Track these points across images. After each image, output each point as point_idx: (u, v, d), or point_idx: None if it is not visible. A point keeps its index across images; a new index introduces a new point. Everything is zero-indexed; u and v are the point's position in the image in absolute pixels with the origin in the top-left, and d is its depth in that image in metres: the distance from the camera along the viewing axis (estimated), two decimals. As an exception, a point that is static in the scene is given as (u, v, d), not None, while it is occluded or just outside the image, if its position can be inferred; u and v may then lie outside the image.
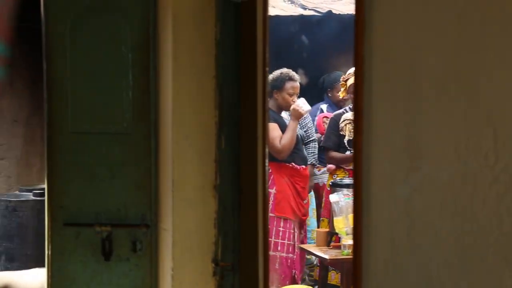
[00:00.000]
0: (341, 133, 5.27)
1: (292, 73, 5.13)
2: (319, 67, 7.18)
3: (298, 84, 5.13)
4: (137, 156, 2.85)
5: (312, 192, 5.60)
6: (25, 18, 5.19)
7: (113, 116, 2.85)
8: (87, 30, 2.84)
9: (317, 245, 4.83)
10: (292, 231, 4.96)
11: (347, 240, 4.42)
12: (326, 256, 4.59)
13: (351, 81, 5.11)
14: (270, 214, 4.87)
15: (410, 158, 1.76)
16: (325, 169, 5.84)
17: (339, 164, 5.33)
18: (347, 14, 6.40)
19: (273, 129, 4.87)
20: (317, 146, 5.52)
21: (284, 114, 5.21)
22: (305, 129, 5.31)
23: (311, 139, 5.42)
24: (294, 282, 4.95)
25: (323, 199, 5.49)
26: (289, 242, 4.95)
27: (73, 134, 2.87)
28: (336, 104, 6.10)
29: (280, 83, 5.06)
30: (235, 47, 2.80)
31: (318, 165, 5.86)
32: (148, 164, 2.85)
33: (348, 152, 5.22)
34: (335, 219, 4.66)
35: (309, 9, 6.78)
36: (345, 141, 5.25)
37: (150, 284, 2.87)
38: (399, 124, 1.81)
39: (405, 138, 1.78)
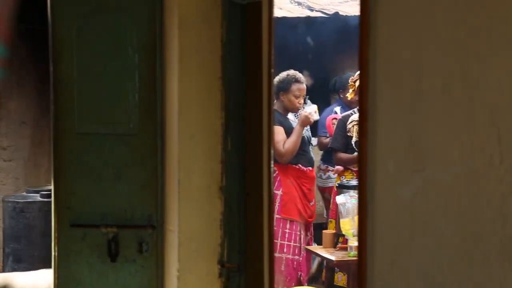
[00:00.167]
0: (348, 134, 5.26)
1: (298, 75, 5.12)
2: (325, 69, 7.17)
3: (305, 86, 5.12)
4: (143, 157, 2.86)
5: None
6: (32, 20, 5.22)
7: (119, 117, 2.85)
8: (93, 31, 2.84)
9: (324, 247, 4.82)
10: (298, 233, 4.96)
11: (354, 242, 4.41)
12: (333, 258, 4.58)
13: (360, 82, 5.08)
14: (277, 216, 4.86)
15: (414, 159, 1.76)
16: (329, 173, 5.84)
17: (346, 165, 5.32)
18: (354, 15, 6.39)
19: (278, 132, 4.86)
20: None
21: (290, 116, 5.20)
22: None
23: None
24: (299, 284, 4.94)
25: (331, 200, 5.48)
26: (295, 244, 4.94)
27: (79, 135, 2.87)
28: (349, 106, 6.08)
29: (286, 85, 5.05)
30: (241, 48, 2.80)
31: (324, 165, 5.86)
32: (154, 165, 2.85)
33: (355, 153, 5.20)
34: (341, 220, 4.65)
35: (316, 11, 6.77)
36: (353, 142, 5.24)
37: (156, 285, 2.87)
38: (403, 126, 1.80)
39: (409, 139, 1.78)
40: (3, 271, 4.91)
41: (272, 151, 2.78)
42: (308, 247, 5.02)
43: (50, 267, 2.98)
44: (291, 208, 4.96)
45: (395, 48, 1.84)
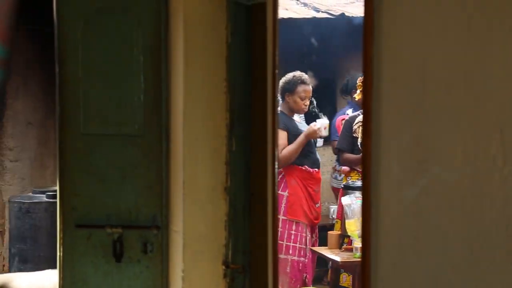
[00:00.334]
0: (354, 135, 5.26)
1: (304, 76, 5.11)
2: (331, 70, 7.17)
3: (310, 88, 5.11)
4: (148, 158, 2.86)
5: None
6: (38, 21, 5.23)
7: (125, 118, 2.86)
8: (98, 32, 2.85)
9: (329, 248, 4.83)
10: (304, 234, 4.95)
11: (359, 243, 4.41)
12: (338, 259, 4.59)
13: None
14: (282, 217, 4.86)
15: (418, 160, 1.76)
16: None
17: (352, 165, 5.33)
18: (360, 16, 6.38)
19: (280, 137, 4.84)
20: None
21: (296, 117, 5.20)
22: None
23: None
24: (305, 285, 4.93)
25: (338, 201, 5.48)
26: (300, 246, 4.94)
27: (84, 136, 2.88)
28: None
29: (292, 86, 5.04)
30: (246, 50, 2.81)
31: (339, 167, 5.86)
32: (159, 166, 2.85)
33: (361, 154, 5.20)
34: (347, 221, 4.66)
35: (322, 12, 6.78)
36: (359, 143, 5.24)
37: (161, 286, 2.88)
38: (407, 127, 1.80)
39: (413, 140, 1.78)
40: (9, 271, 4.92)
41: (276, 152, 2.78)
42: (314, 248, 5.02)
43: (56, 267, 2.99)
44: (297, 210, 4.95)
45: (399, 49, 1.84)
